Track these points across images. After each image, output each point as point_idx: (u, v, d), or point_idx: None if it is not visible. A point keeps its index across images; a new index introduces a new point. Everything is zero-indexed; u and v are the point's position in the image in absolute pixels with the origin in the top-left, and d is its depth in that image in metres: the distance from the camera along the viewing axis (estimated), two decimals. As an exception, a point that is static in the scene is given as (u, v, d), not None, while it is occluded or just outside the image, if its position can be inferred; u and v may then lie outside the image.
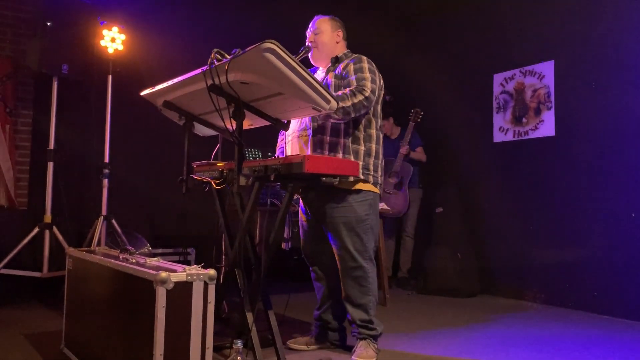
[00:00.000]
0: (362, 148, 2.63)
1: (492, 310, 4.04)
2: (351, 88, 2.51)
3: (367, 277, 2.63)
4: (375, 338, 2.67)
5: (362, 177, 2.59)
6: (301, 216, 2.87)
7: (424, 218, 5.03)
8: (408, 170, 4.74)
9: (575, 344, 3.09)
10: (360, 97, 2.48)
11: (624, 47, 3.89)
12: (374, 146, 2.67)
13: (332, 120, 2.56)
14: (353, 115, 2.49)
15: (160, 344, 1.80)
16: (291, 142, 2.74)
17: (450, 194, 4.87)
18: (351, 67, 2.62)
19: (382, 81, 2.66)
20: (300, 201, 2.83)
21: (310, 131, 2.63)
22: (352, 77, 2.57)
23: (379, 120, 2.73)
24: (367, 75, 2.56)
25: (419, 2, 5.48)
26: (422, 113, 4.71)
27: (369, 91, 2.50)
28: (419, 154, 4.93)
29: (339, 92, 2.50)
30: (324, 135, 2.60)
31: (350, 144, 2.60)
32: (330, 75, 2.69)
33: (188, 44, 4.39)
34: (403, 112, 4.89)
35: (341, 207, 2.59)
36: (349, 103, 2.44)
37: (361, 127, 2.64)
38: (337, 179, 2.46)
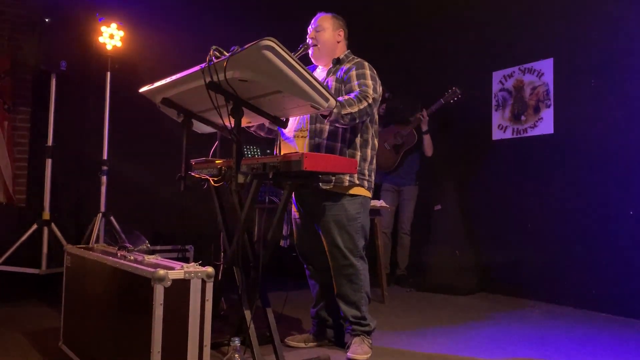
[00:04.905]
0: (358, 153, 2.66)
1: (490, 307, 4.05)
2: (356, 94, 2.52)
3: (358, 275, 2.67)
4: (368, 334, 2.71)
5: (357, 181, 2.63)
6: (294, 212, 2.87)
7: (422, 216, 5.03)
8: (412, 139, 4.78)
9: (573, 341, 3.10)
10: (365, 104, 2.49)
11: (623, 45, 3.89)
12: (369, 151, 2.71)
13: (330, 126, 2.58)
14: (357, 122, 2.52)
15: (158, 341, 1.80)
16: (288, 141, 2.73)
17: (449, 192, 4.88)
18: (353, 73, 2.64)
19: (380, 88, 2.68)
20: (294, 198, 2.83)
21: (308, 132, 2.64)
22: (355, 83, 2.60)
23: (375, 126, 2.75)
24: (370, 82, 2.59)
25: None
26: (460, 95, 4.58)
27: (371, 98, 2.53)
28: (429, 142, 4.82)
29: (345, 97, 2.51)
30: (321, 138, 2.62)
31: (346, 149, 2.63)
32: (332, 79, 2.70)
33: (187, 41, 4.37)
34: (402, 110, 4.88)
35: (333, 206, 2.63)
36: (356, 109, 2.45)
37: (358, 133, 2.67)
38: (332, 182, 2.48)
